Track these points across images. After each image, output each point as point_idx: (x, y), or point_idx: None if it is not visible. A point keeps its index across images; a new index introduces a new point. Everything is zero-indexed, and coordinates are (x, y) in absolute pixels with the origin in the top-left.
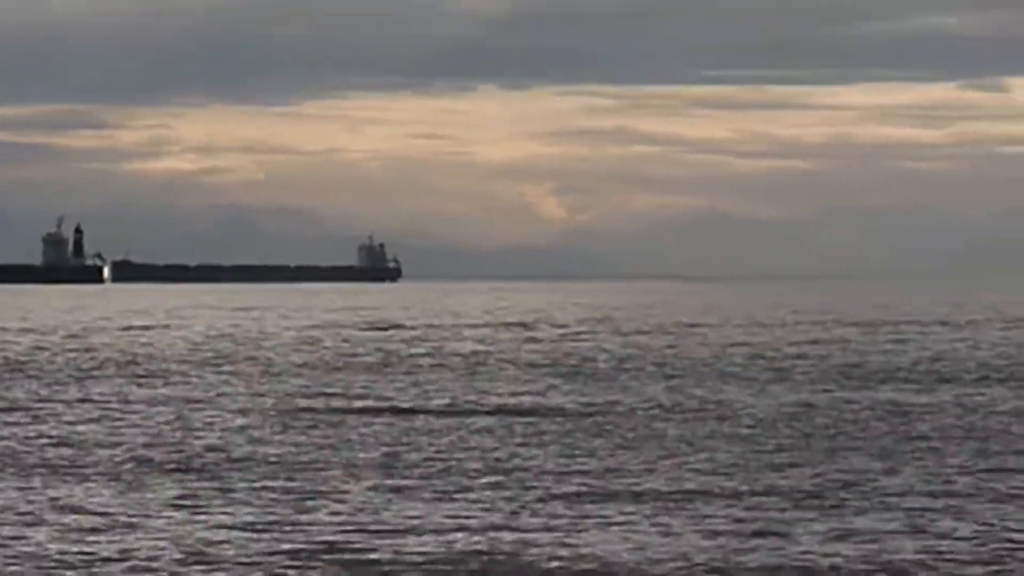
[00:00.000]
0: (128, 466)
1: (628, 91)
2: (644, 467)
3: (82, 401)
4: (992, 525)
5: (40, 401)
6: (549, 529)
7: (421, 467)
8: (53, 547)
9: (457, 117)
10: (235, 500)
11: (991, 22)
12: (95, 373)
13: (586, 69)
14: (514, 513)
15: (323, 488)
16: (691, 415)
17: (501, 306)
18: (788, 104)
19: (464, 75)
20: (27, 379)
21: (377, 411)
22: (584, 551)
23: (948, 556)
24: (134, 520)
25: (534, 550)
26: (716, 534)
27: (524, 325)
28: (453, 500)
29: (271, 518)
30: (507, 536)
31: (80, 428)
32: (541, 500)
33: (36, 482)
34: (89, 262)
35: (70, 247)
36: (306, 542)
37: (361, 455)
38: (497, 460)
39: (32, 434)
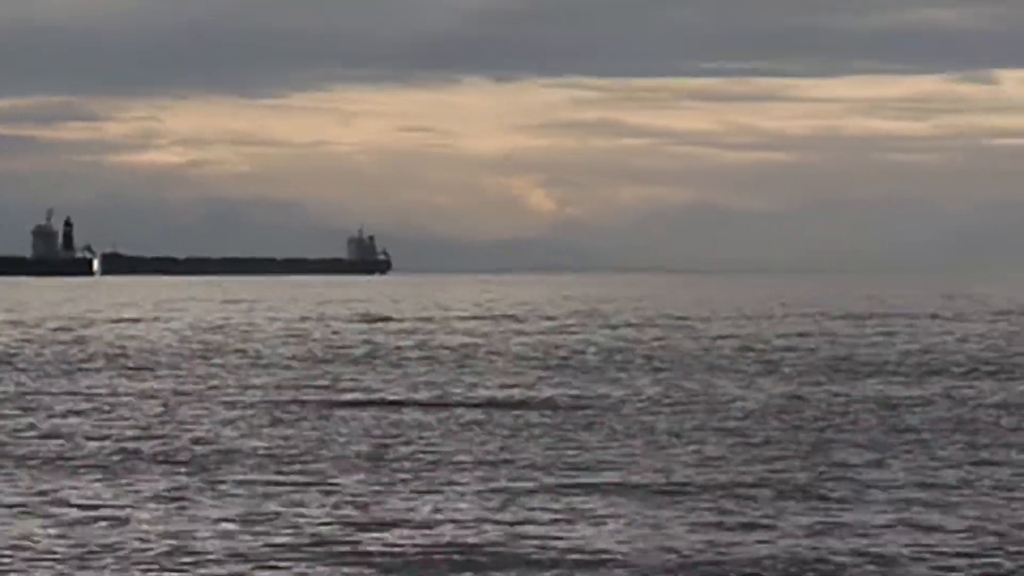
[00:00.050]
0: (117, 458)
1: (615, 83)
2: (633, 460)
3: (71, 393)
4: (980, 518)
5: (29, 393)
6: (538, 522)
7: (410, 460)
8: (42, 539)
9: (445, 110)
10: (224, 493)
11: (980, 15)
12: (84, 365)
13: (573, 62)
14: (503, 506)
15: (312, 481)
16: (680, 408)
17: (490, 299)
18: (775, 96)
19: (452, 67)
20: (16, 371)
21: (366, 404)
22: (573, 543)
23: (937, 549)
24: (123, 512)
25: (523, 542)
26: (705, 526)
27: (513, 318)
28: (442, 493)
29: (260, 511)
30: (496, 529)
31: (69, 420)
32: (530, 493)
33: (24, 474)
34: (79, 255)
35: (60, 240)
36: (295, 535)
37: (350, 448)
38: (486, 453)
39: (21, 426)
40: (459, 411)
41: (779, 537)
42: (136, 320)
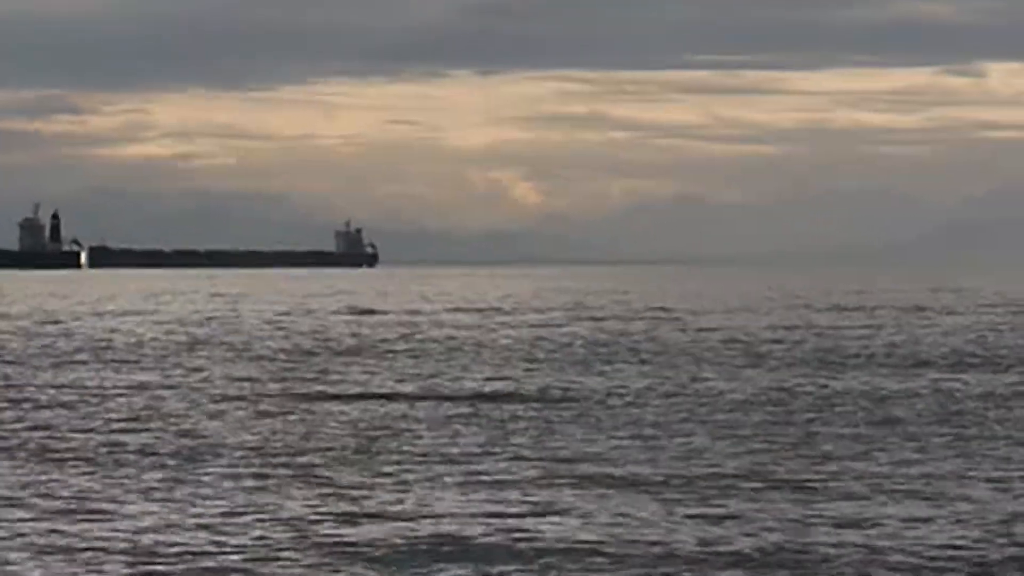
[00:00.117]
0: (103, 451)
1: (601, 76)
2: (619, 452)
3: (57, 386)
4: (967, 510)
5: (15, 386)
6: (524, 514)
7: (397, 452)
8: (28, 532)
9: (431, 103)
10: (211, 486)
11: (968, 8)
12: (71, 358)
13: (559, 55)
14: (490, 498)
15: (298, 473)
16: (666, 400)
17: (477, 291)
18: (762, 89)
19: (438, 61)
20: (2, 364)
21: (353, 397)
22: (559, 535)
23: (924, 540)
24: (109, 506)
25: (509, 535)
26: (691, 519)
27: (499, 310)
28: (429, 485)
29: (246, 503)
30: (483, 521)
31: (55, 413)
32: (516, 485)
33: (11, 467)
34: (66, 248)
35: (47, 233)
36: (282, 528)
37: (336, 441)
38: (473, 445)
39: (6, 419)
40: (446, 404)
41: (765, 529)
42: (124, 313)
